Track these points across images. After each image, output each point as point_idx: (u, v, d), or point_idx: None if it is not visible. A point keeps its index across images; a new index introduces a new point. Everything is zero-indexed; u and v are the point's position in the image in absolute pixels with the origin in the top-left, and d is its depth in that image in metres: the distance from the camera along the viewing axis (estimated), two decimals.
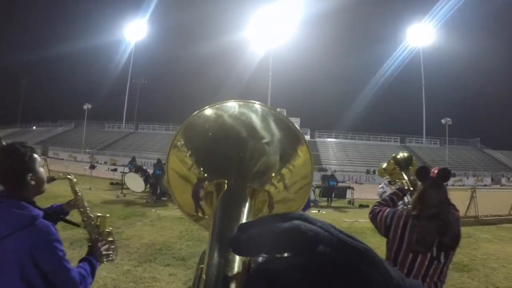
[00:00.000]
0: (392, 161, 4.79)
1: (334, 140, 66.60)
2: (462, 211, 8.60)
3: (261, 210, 0.78)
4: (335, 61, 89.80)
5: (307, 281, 0.35)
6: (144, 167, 18.37)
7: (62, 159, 29.82)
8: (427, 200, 2.94)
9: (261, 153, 0.84)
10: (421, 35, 73.50)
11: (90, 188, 16.44)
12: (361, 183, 37.43)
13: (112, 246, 2.55)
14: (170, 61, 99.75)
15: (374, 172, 43.78)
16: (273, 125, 0.88)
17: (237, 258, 0.50)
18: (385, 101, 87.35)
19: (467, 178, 47.30)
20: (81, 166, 28.60)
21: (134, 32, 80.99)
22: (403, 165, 5.10)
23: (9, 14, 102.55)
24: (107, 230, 2.54)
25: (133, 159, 25.35)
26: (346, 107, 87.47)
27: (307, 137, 54.66)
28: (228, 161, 0.82)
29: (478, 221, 12.93)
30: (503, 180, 46.85)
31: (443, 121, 56.72)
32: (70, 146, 58.26)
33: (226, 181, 0.78)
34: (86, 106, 58.65)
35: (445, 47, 78.14)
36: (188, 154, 0.88)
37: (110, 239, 2.55)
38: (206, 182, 0.81)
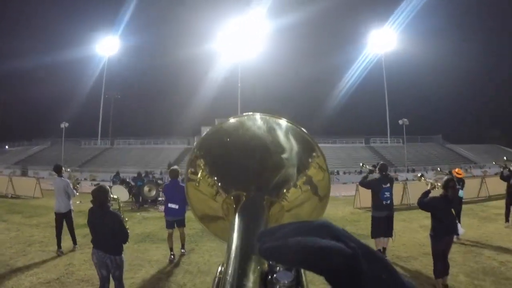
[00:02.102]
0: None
1: None
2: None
3: (279, 221, 0.78)
4: (302, 69, 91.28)
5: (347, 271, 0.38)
6: (128, 180, 21.30)
7: (43, 177, 31.56)
8: None
9: (279, 165, 0.86)
10: (382, 41, 76.29)
11: (80, 202, 16.71)
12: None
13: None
14: (142, 75, 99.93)
15: (338, 172, 47.01)
16: (290, 137, 0.89)
17: (255, 268, 0.50)
18: (350, 105, 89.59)
19: (427, 172, 50.30)
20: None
21: (107, 47, 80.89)
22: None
23: None
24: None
25: (117, 173, 27.24)
26: (313, 112, 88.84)
27: None
28: (247, 173, 0.86)
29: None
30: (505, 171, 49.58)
31: (400, 121, 59.28)
32: (49, 164, 55.54)
33: (244, 193, 0.80)
34: (64, 125, 58.80)
35: (405, 51, 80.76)
36: (206, 166, 0.90)
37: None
38: (224, 193, 0.83)
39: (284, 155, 0.86)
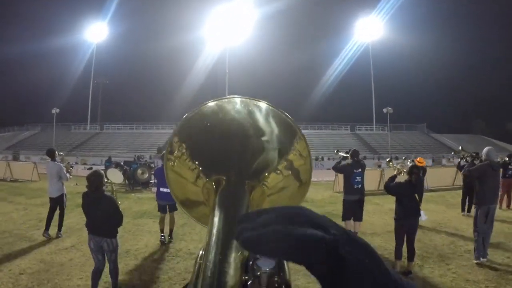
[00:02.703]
0: None
1: None
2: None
3: (260, 205, 0.77)
4: (289, 57, 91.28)
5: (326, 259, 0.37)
6: (122, 163, 22.38)
7: (35, 162, 32.03)
8: None
9: (260, 149, 0.84)
10: (369, 30, 76.62)
11: (76, 184, 17.60)
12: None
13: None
14: (131, 61, 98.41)
15: (322, 158, 48.07)
16: (271, 121, 0.88)
17: (236, 254, 0.49)
18: (337, 93, 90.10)
19: (411, 160, 50.99)
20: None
21: (95, 33, 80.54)
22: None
23: None
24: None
25: (109, 158, 28.14)
26: (301, 100, 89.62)
27: None
28: (227, 157, 0.84)
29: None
30: (444, 161, 49.97)
31: (384, 110, 59.66)
32: (40, 149, 56.97)
33: (225, 178, 0.78)
34: (55, 111, 58.96)
35: (392, 40, 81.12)
36: (186, 150, 0.89)
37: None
38: (204, 178, 0.82)
39: (265, 138, 0.86)
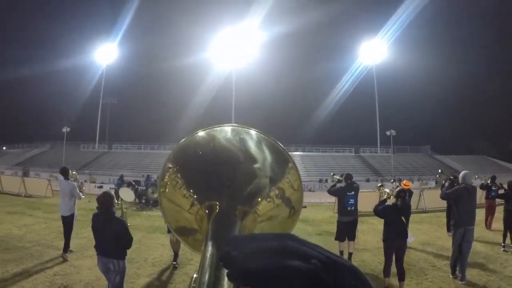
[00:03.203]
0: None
1: (293, 153, 67.80)
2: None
3: (252, 231, 0.79)
4: (294, 79, 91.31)
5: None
6: (133, 183, 23.63)
7: (49, 179, 32.12)
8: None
9: (252, 176, 0.86)
10: (373, 53, 77.18)
11: (89, 201, 17.50)
12: (314, 191, 42.20)
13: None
14: (139, 82, 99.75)
15: (326, 180, 48.56)
16: (263, 148, 0.90)
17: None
18: (342, 115, 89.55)
19: (413, 182, 51.51)
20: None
21: (105, 55, 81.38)
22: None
23: None
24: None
25: (121, 176, 28.46)
26: (305, 121, 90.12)
27: None
28: (220, 184, 0.85)
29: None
30: (447, 183, 50.87)
31: (387, 132, 60.34)
32: (49, 166, 58.05)
33: (217, 204, 0.80)
34: (65, 129, 60.11)
35: (396, 63, 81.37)
36: (180, 177, 0.91)
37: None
38: (198, 204, 0.83)
39: (257, 166, 0.89)
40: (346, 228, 9.35)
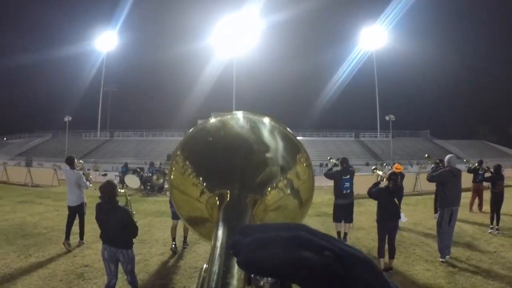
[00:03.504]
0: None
1: None
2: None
3: (263, 220, 0.77)
4: (295, 65, 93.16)
5: (313, 280, 0.37)
6: (138, 170, 24.32)
7: (55, 168, 31.80)
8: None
9: (263, 164, 0.84)
10: (373, 38, 77.65)
11: (95, 189, 19.67)
12: (314, 175, 42.66)
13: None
14: (140, 69, 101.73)
15: (326, 165, 48.78)
16: (274, 136, 0.87)
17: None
18: (342, 101, 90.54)
19: (411, 166, 51.85)
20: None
21: (105, 42, 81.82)
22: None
23: None
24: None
25: (125, 164, 29.69)
26: (306, 107, 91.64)
27: None
28: (231, 171, 0.83)
29: None
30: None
31: (386, 117, 60.84)
32: (52, 155, 59.50)
33: (228, 192, 0.78)
34: (67, 118, 60.32)
35: (396, 48, 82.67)
36: (190, 165, 0.89)
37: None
38: (208, 193, 0.82)
39: (268, 154, 0.86)
40: (342, 211, 9.62)
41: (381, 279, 0.39)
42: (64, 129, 65.10)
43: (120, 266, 5.75)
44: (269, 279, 0.42)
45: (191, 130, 0.92)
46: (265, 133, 0.88)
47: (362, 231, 10.97)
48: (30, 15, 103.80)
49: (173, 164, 0.90)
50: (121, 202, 6.06)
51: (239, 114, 0.91)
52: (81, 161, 11.04)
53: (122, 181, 22.84)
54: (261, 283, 0.43)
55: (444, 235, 8.26)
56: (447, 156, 9.03)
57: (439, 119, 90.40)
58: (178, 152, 0.90)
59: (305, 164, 0.87)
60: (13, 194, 19.80)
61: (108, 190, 5.63)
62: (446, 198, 8.46)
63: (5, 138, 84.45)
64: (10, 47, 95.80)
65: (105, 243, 5.57)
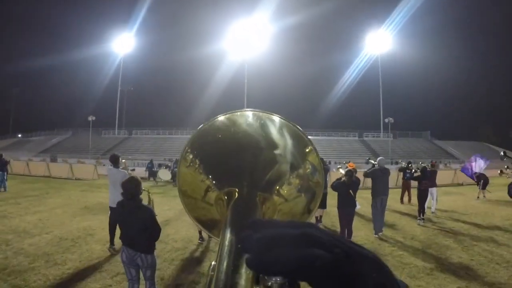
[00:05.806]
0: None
1: None
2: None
3: (272, 217, 0.76)
4: (303, 68, 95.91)
5: (323, 277, 0.37)
6: (169, 164, 28.73)
7: (95, 164, 31.32)
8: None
9: (272, 162, 0.83)
10: (379, 42, 79.15)
11: None
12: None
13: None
14: (156, 70, 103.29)
15: (329, 163, 52.08)
16: (284, 134, 0.86)
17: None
18: (348, 102, 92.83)
19: (410, 164, 53.81)
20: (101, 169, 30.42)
21: (122, 45, 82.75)
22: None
23: None
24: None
25: (151, 161, 32.20)
26: (313, 108, 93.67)
27: None
28: (240, 169, 0.82)
29: None
30: (441, 166, 53.04)
31: (386, 120, 63.98)
32: (73, 152, 61.26)
33: (237, 190, 0.77)
34: (91, 118, 61.35)
35: (400, 52, 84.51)
36: (199, 162, 0.88)
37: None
38: (217, 191, 0.81)
39: (277, 152, 0.85)
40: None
41: (390, 278, 0.39)
42: (82, 126, 67.71)
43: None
44: (278, 279, 0.42)
45: (200, 126, 0.92)
46: (275, 131, 0.88)
47: (329, 216, 12.67)
48: (52, 20, 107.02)
49: (182, 160, 0.90)
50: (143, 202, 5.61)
51: (249, 112, 0.92)
52: (124, 160, 10.37)
53: (154, 175, 27.27)
54: (269, 283, 0.43)
55: (377, 216, 10.18)
56: (378, 158, 11.16)
57: (440, 121, 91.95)
58: (187, 149, 0.90)
59: (314, 165, 0.87)
60: (69, 186, 22.11)
61: (131, 187, 5.07)
62: (376, 190, 10.36)
63: (19, 135, 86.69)
64: (34, 50, 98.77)
65: (124, 244, 5.10)
